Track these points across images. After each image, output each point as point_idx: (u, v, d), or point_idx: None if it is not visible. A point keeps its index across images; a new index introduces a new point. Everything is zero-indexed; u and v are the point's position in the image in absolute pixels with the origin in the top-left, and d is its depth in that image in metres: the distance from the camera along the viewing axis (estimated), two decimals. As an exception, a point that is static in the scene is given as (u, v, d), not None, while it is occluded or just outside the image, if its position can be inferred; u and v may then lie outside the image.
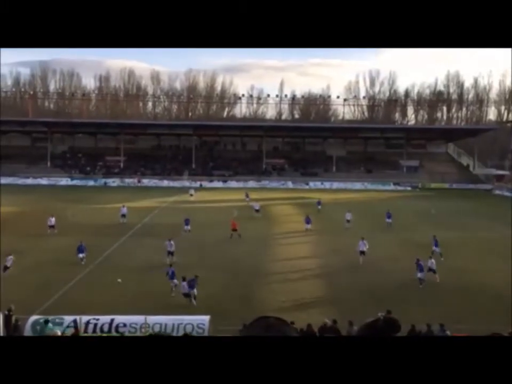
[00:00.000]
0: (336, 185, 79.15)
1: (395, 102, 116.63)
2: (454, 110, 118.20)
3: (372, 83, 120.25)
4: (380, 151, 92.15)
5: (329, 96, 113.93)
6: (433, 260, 24.59)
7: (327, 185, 79.43)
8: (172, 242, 27.59)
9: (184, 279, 21.11)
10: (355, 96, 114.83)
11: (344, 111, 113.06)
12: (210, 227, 37.69)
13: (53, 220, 35.55)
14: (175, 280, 21.91)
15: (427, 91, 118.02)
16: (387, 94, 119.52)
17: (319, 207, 48.10)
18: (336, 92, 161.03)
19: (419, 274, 23.39)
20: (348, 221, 38.90)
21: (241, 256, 28.90)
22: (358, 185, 78.30)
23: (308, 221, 37.37)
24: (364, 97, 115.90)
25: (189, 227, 35.53)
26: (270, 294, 22.37)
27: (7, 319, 16.10)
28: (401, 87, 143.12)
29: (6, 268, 24.38)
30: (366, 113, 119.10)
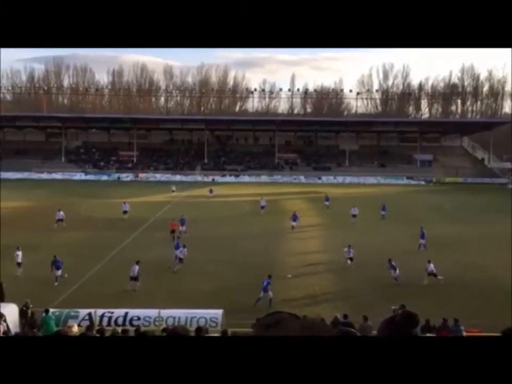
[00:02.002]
0: (349, 179, 78.72)
1: (409, 95, 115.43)
2: (468, 103, 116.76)
3: (385, 76, 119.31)
4: (393, 145, 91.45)
5: (341, 90, 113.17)
6: (431, 264, 23.39)
7: (339, 179, 79.05)
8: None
9: (137, 263, 22.42)
10: (368, 90, 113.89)
11: (357, 105, 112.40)
12: (222, 221, 37.80)
13: (61, 214, 35.80)
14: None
15: (441, 84, 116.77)
16: (400, 87, 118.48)
17: (327, 203, 47.17)
18: (349, 86, 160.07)
19: (393, 274, 22.92)
20: (354, 215, 38.26)
21: (254, 250, 28.97)
22: (371, 180, 77.82)
23: (294, 219, 35.90)
24: (377, 91, 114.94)
25: (184, 228, 33.38)
26: (283, 288, 22.41)
27: (22, 313, 16.37)
28: (415, 80, 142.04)
29: (18, 264, 24.58)
30: (379, 107, 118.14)
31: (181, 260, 24.96)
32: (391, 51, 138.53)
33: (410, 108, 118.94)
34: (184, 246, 25.46)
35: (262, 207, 43.27)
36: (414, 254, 27.73)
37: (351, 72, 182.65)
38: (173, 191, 57.17)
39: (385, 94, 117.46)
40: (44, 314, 15.97)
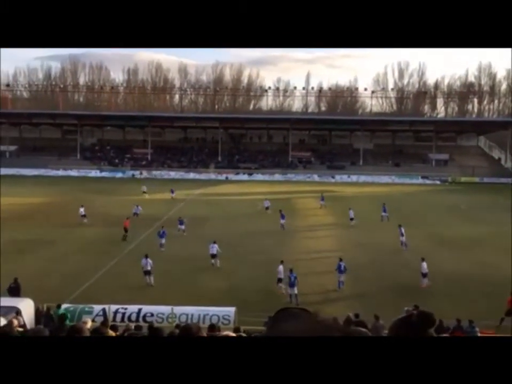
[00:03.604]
0: (363, 178, 78.27)
1: (424, 94, 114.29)
2: (485, 102, 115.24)
3: (401, 75, 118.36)
4: (408, 144, 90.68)
5: (356, 88, 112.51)
6: (424, 263, 22.63)
7: (353, 178, 78.65)
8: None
9: (146, 257, 22.78)
10: (383, 88, 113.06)
11: (371, 104, 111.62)
12: (235, 219, 37.89)
13: (82, 210, 36.60)
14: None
15: (457, 83, 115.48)
16: (416, 86, 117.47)
17: (322, 202, 46.63)
18: (364, 84, 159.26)
19: (340, 277, 22.40)
20: (351, 219, 37.32)
21: (266, 248, 29.00)
22: (385, 179, 77.28)
23: (283, 217, 35.78)
24: (392, 89, 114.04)
25: (183, 227, 33.24)
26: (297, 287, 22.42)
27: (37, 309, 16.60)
28: (430, 78, 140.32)
29: None
30: (394, 106, 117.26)
31: (147, 272, 22.60)
32: (406, 50, 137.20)
33: (426, 107, 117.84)
34: (146, 256, 23.06)
35: (267, 208, 42.75)
36: (425, 254, 27.51)
37: (366, 70, 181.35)
38: (144, 192, 53.35)
39: (401, 93, 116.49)
40: (56, 309, 16.20)
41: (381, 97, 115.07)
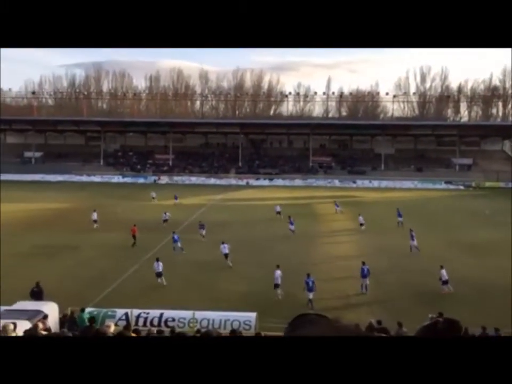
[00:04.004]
0: (384, 183, 77.56)
1: (447, 98, 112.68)
2: (510, 105, 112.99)
3: (423, 79, 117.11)
4: (431, 148, 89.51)
5: (377, 93, 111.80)
6: (443, 270, 22.34)
7: (375, 183, 78.01)
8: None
9: (157, 260, 23.53)
10: (405, 93, 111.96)
11: (393, 108, 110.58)
12: (256, 224, 37.93)
13: (95, 215, 37.49)
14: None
15: (481, 86, 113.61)
16: (439, 90, 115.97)
17: (338, 208, 46.65)
18: (385, 89, 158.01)
19: (364, 281, 22.24)
20: (361, 224, 37.21)
21: (287, 253, 28.96)
22: (407, 184, 76.42)
23: (291, 222, 35.92)
24: (414, 94, 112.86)
25: (203, 231, 33.36)
26: (317, 292, 22.31)
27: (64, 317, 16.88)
28: (453, 82, 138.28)
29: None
30: (416, 110, 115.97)
31: (159, 274, 23.34)
32: (428, 53, 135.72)
33: (449, 111, 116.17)
34: (157, 260, 23.81)
35: (278, 213, 42.59)
36: (447, 260, 27.08)
37: (388, 75, 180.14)
38: (153, 198, 54.00)
39: (423, 97, 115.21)
40: (79, 313, 16.46)
41: (403, 102, 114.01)
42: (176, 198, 51.87)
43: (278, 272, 21.86)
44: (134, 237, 31.08)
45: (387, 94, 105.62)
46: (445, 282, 22.22)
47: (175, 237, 30.32)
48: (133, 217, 40.48)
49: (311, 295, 20.43)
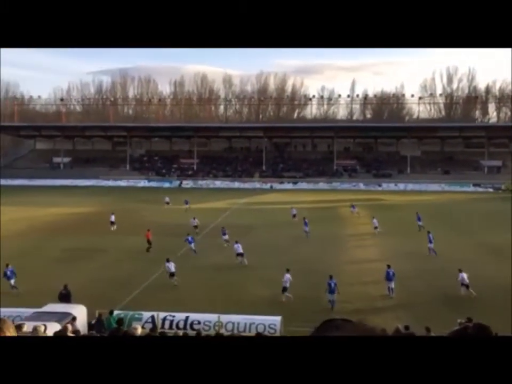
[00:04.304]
0: (410, 186, 76.49)
1: (475, 99, 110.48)
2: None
3: (450, 80, 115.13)
4: (458, 150, 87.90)
5: (403, 95, 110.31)
6: (464, 274, 21.90)
7: (401, 186, 77.00)
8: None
9: (168, 260, 24.09)
10: (431, 94, 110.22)
11: (419, 110, 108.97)
12: (280, 228, 37.88)
13: (113, 217, 38.74)
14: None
15: (510, 87, 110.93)
16: (466, 90, 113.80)
17: (354, 209, 46.72)
18: (411, 90, 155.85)
19: (389, 284, 22.15)
20: (376, 227, 37.00)
21: (310, 257, 28.84)
22: (434, 187, 75.17)
23: (306, 224, 36.27)
24: (441, 95, 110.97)
25: (226, 237, 32.56)
26: (341, 295, 22.15)
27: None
28: (481, 83, 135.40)
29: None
30: (443, 111, 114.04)
31: (172, 274, 23.84)
32: (454, 54, 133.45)
33: (477, 112, 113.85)
34: (168, 260, 24.31)
35: (294, 216, 42.44)
36: (474, 264, 26.51)
37: (413, 76, 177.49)
38: (167, 203, 53.12)
39: (450, 98, 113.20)
40: (108, 315, 16.73)
41: (429, 103, 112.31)
42: (186, 202, 50.84)
43: (287, 276, 21.93)
44: (148, 241, 30.99)
45: (412, 95, 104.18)
46: (465, 286, 21.87)
47: (189, 238, 30.85)
48: (159, 220, 40.96)
49: (332, 297, 20.54)
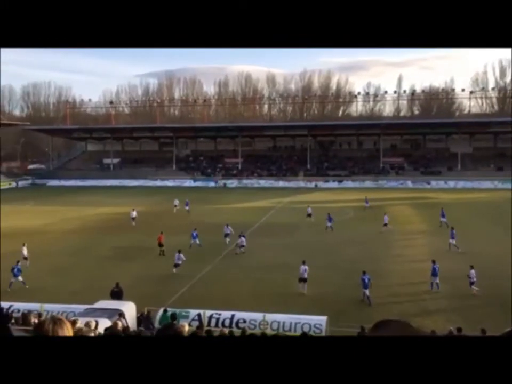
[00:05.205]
0: (461, 184, 73.94)
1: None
2: None
3: (503, 73, 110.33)
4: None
5: (453, 90, 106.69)
6: (473, 271, 21.94)
7: (451, 184, 74.56)
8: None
9: (179, 252, 25.84)
10: (483, 88, 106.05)
11: (470, 105, 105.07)
12: (324, 227, 37.47)
13: (134, 213, 40.90)
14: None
15: None
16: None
17: (367, 204, 47.98)
18: (461, 85, 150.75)
19: (434, 279, 22.21)
20: (385, 224, 36.25)
21: (357, 256, 28.38)
22: (486, 184, 72.30)
23: (330, 219, 37.12)
24: (493, 89, 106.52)
25: (243, 240, 30.57)
26: (389, 296, 21.68)
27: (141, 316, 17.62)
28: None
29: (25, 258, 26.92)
30: (495, 106, 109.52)
31: (177, 265, 25.82)
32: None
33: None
34: (179, 252, 26.08)
35: (309, 215, 41.59)
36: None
37: (464, 70, 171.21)
38: (175, 206, 49.62)
39: (503, 92, 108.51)
40: (162, 312, 17.09)
41: (481, 98, 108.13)
42: (187, 204, 48.46)
43: (303, 267, 22.38)
44: (160, 244, 29.89)
45: (463, 90, 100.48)
46: (471, 283, 21.89)
47: (194, 234, 31.77)
48: (205, 220, 41.50)
49: (367, 292, 20.84)
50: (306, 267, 22.42)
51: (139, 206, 51.25)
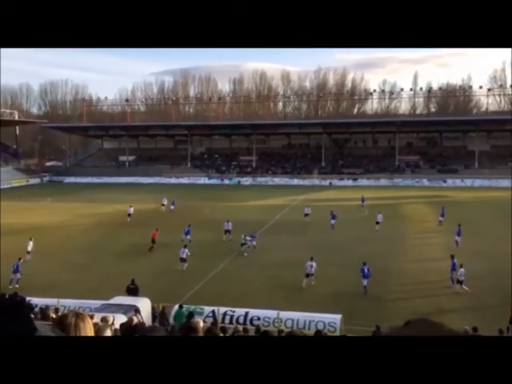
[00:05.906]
0: (478, 182, 72.98)
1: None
2: None
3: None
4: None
5: (470, 87, 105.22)
6: (463, 269, 21.83)
7: (468, 182, 73.64)
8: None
9: (185, 246, 26.42)
10: (501, 85, 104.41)
11: (487, 102, 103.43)
12: (341, 225, 37.34)
13: (131, 210, 41.81)
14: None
15: None
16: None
17: (362, 203, 47.68)
18: (479, 82, 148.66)
19: (452, 274, 22.26)
20: (378, 223, 36.24)
21: (371, 254, 28.20)
22: (504, 183, 71.17)
23: (333, 217, 37.28)
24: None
25: (254, 242, 30.17)
26: (403, 294, 21.57)
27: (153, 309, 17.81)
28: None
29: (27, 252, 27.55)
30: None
31: (182, 259, 26.20)
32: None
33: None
34: (185, 246, 26.83)
35: (306, 215, 40.94)
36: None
37: (481, 67, 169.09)
38: (163, 205, 48.14)
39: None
40: (177, 308, 17.24)
41: (499, 95, 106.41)
42: (173, 203, 47.21)
43: (309, 263, 22.71)
44: (153, 241, 30.60)
45: (481, 87, 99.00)
46: (459, 282, 21.85)
47: (186, 229, 32.12)
48: (219, 217, 41.62)
49: (365, 282, 21.41)
50: (314, 263, 22.75)
51: (155, 203, 51.66)
